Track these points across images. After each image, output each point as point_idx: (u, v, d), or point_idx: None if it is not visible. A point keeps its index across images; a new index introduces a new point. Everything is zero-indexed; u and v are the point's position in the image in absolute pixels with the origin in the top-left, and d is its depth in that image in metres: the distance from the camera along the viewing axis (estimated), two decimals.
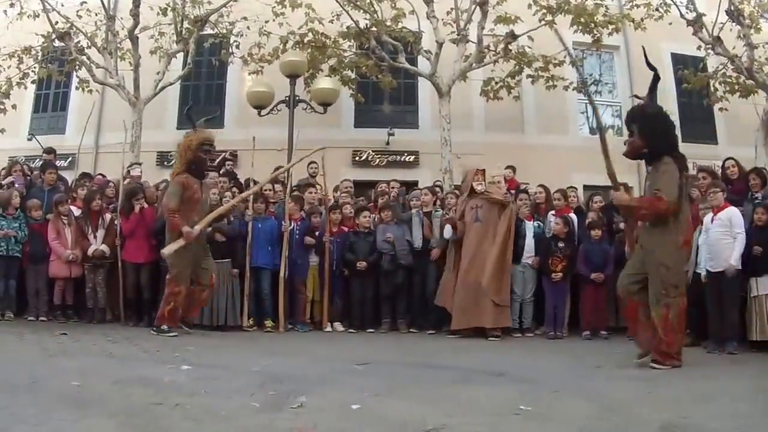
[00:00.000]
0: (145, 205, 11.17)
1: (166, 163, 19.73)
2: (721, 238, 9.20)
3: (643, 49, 10.17)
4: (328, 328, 11.16)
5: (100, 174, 14.52)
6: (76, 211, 11.27)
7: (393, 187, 13.22)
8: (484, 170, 11.00)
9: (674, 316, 7.27)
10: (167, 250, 9.51)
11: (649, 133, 7.60)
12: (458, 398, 5.51)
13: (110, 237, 11.06)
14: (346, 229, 11.68)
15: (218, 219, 10.28)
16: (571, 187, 12.69)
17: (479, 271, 10.42)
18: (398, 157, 20.91)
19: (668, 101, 22.30)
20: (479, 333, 10.36)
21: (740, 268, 9.14)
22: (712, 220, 9.38)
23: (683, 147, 22.32)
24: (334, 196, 12.78)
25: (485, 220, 10.62)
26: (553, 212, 11.41)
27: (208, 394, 5.23)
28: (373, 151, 20.95)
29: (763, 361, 8.52)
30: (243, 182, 12.79)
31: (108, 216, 11.27)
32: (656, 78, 8.00)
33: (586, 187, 16.37)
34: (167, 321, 9.56)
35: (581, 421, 4.81)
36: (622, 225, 11.32)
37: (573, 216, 11.46)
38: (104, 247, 10.98)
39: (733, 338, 9.08)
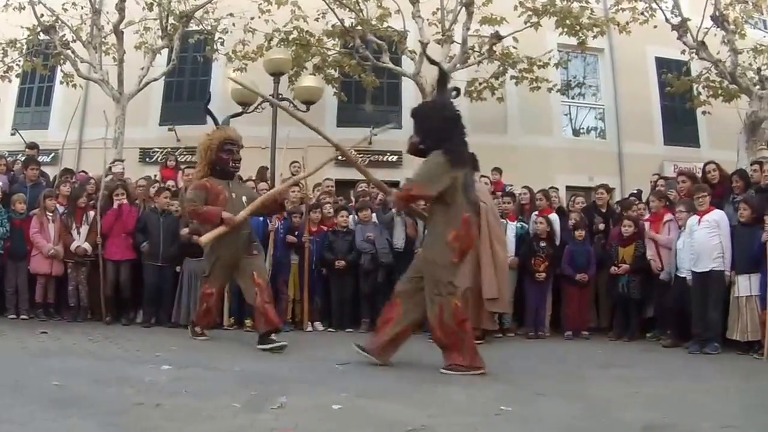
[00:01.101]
0: (125, 202, 11.08)
1: (147, 159, 19.68)
2: (708, 239, 9.32)
3: (423, 46, 10.02)
4: (309, 328, 11.00)
5: (82, 171, 14.47)
6: (60, 208, 11.10)
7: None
8: None
9: (448, 316, 7.01)
10: (205, 238, 8.50)
11: (421, 130, 7.62)
12: (439, 398, 5.55)
13: (93, 234, 10.87)
14: (325, 228, 11.58)
15: (264, 207, 9.19)
16: (553, 187, 12.76)
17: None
18: (381, 157, 20.88)
19: (651, 104, 22.58)
20: None
21: (729, 271, 9.29)
22: (698, 222, 9.50)
23: (666, 149, 22.59)
24: (314, 195, 12.71)
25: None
26: (536, 213, 11.40)
27: (188, 394, 5.24)
28: (355, 151, 20.89)
29: (744, 361, 8.60)
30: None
31: (92, 213, 11.05)
32: (442, 74, 8.01)
33: (568, 188, 16.50)
34: (200, 323, 9.25)
35: (563, 422, 4.87)
36: (601, 226, 11.42)
37: (555, 216, 11.48)
38: (86, 245, 10.79)
39: (715, 338, 9.16)
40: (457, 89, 8.67)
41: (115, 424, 4.23)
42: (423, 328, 7.75)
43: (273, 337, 8.49)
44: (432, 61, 8.78)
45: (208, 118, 9.78)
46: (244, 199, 9.08)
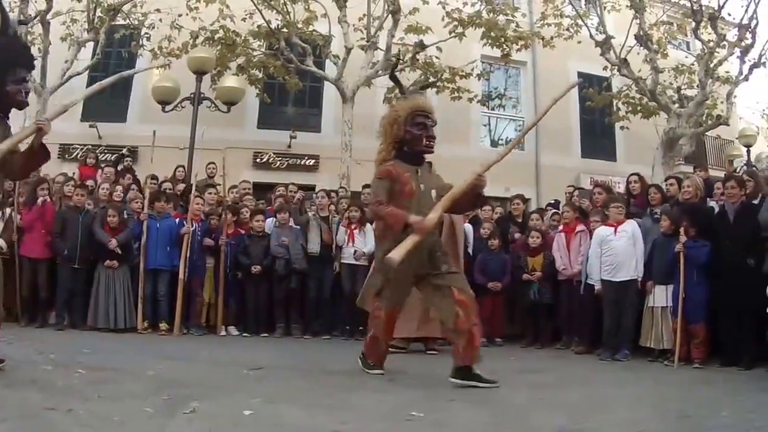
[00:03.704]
0: (48, 199, 10.91)
1: (67, 156, 19.31)
2: (627, 250, 9.62)
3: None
4: (223, 332, 10.98)
5: None
6: None
7: (294, 192, 13.12)
8: (429, 162, 9.99)
9: None
10: (397, 254, 6.44)
11: None
12: (351, 404, 5.58)
13: (8, 232, 10.61)
14: (242, 231, 11.54)
15: (457, 203, 7.02)
16: None
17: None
18: (299, 161, 20.94)
19: (570, 117, 23.06)
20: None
21: (640, 278, 9.60)
22: (615, 232, 9.78)
23: (583, 162, 23.24)
24: (231, 198, 12.63)
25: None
26: None
27: (101, 398, 5.18)
28: (274, 153, 20.91)
29: (654, 368, 8.84)
30: (144, 180, 12.46)
31: (8, 210, 10.81)
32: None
33: None
34: (369, 354, 7.39)
35: (475, 428, 4.93)
36: (517, 236, 11.61)
37: (468, 226, 11.58)
38: (1, 242, 10.45)
39: (626, 345, 9.46)
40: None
41: (26, 429, 4.20)
42: None
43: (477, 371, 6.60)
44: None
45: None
46: (433, 193, 7.10)
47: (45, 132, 6.05)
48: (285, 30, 17.98)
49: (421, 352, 9.78)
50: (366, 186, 12.23)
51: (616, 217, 9.84)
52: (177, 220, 11.15)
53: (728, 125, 19.44)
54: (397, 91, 18.91)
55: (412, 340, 9.79)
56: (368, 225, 11.26)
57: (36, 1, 17.48)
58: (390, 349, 9.44)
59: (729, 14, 18.77)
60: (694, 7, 17.73)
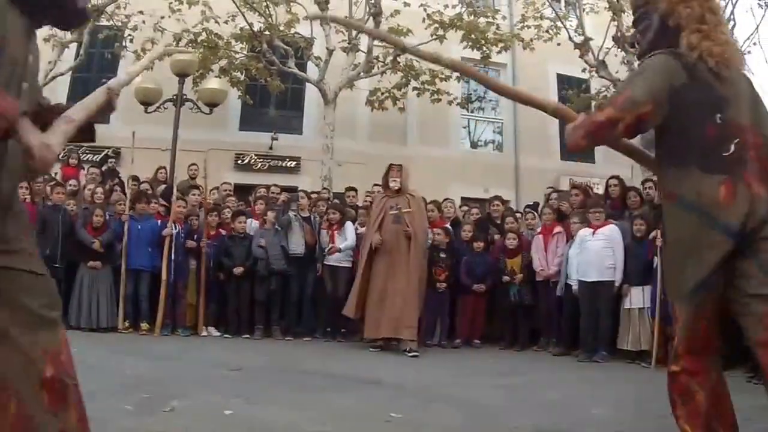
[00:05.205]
0: (28, 198, 10.87)
1: None
2: (601, 251, 9.71)
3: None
4: (204, 333, 10.90)
5: None
6: None
7: (277, 193, 13.07)
8: (400, 165, 10.35)
9: None
10: None
11: None
12: (330, 405, 5.63)
13: None
14: (223, 232, 11.48)
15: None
16: (448, 199, 12.91)
17: (400, 281, 9.83)
18: (280, 162, 20.90)
19: (549, 119, 22.81)
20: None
21: (618, 283, 9.67)
22: (593, 234, 9.86)
23: (562, 164, 23.31)
24: (213, 199, 12.63)
25: (404, 224, 10.02)
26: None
27: None
28: (255, 155, 20.88)
29: (632, 369, 8.93)
30: (126, 180, 12.42)
31: None
32: None
33: (463, 199, 16.76)
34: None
35: (453, 428, 5.01)
36: (496, 237, 11.64)
37: (449, 228, 11.63)
38: None
39: (603, 347, 9.53)
40: None
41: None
42: None
43: None
44: None
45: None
46: None
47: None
48: (267, 32, 17.93)
49: (398, 352, 9.83)
50: (350, 188, 12.28)
51: (597, 222, 9.91)
52: (159, 221, 11.12)
53: None
54: (378, 93, 18.97)
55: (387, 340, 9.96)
56: (348, 224, 11.34)
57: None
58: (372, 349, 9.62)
59: None
60: None
